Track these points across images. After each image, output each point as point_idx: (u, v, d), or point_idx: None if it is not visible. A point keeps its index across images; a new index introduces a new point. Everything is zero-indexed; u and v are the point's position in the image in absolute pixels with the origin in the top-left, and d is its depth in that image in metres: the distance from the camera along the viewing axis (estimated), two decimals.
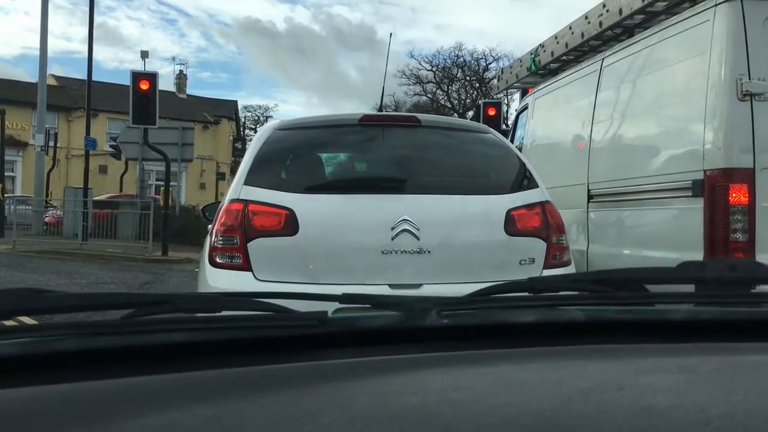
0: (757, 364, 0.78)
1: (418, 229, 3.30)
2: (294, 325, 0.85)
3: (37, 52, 20.42)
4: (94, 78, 18.78)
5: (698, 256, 4.04)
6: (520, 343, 0.84)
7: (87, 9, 18.41)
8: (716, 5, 4.14)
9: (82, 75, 22.39)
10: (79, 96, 29.90)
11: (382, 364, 0.77)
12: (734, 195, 3.96)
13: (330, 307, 0.98)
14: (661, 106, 4.76)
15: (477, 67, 41.03)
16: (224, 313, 0.91)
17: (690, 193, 4.20)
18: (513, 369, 0.74)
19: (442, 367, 0.75)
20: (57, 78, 34.81)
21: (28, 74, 58.02)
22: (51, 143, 25.68)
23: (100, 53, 73.83)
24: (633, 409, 0.62)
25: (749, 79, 3.96)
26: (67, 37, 71.31)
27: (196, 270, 4.02)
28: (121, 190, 25.99)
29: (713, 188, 4.02)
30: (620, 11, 5.63)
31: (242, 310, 0.93)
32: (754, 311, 1.01)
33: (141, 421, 0.63)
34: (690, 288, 1.09)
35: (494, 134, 4.00)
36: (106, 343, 0.80)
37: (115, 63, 72.28)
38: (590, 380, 0.70)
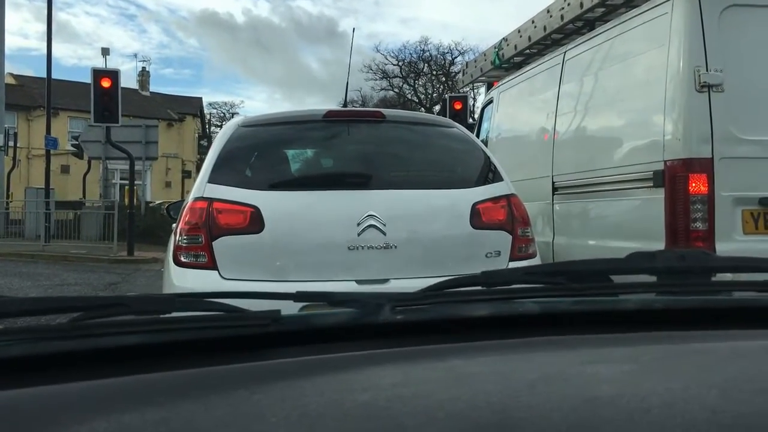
0: (700, 351, 0.79)
1: (384, 224, 3.31)
2: (246, 324, 0.84)
3: None
4: (54, 76, 18.40)
5: (660, 245, 4.11)
6: (473, 337, 0.84)
7: (43, 4, 17.98)
8: None
9: (38, 72, 21.88)
10: (38, 94, 29.27)
11: (334, 361, 0.77)
12: (694, 185, 4.03)
13: (285, 305, 0.97)
14: (623, 98, 4.83)
15: (443, 61, 41.26)
16: (176, 314, 0.89)
17: (651, 184, 4.27)
18: (464, 363, 0.75)
19: (393, 363, 0.75)
20: (15, 77, 34.03)
21: None
22: (11, 143, 25.16)
23: (58, 50, 72.16)
24: (578, 399, 0.62)
25: (707, 70, 4.03)
26: (23, 33, 69.74)
27: (163, 270, 3.97)
28: (84, 189, 25.52)
29: (673, 178, 4.09)
30: (581, 4, 5.69)
31: (195, 311, 0.92)
32: (704, 299, 1.03)
33: (88, 426, 0.62)
34: (643, 278, 1.11)
35: (459, 128, 4.02)
36: (52, 348, 0.78)
37: (74, 60, 70.88)
38: (538, 372, 0.70)
